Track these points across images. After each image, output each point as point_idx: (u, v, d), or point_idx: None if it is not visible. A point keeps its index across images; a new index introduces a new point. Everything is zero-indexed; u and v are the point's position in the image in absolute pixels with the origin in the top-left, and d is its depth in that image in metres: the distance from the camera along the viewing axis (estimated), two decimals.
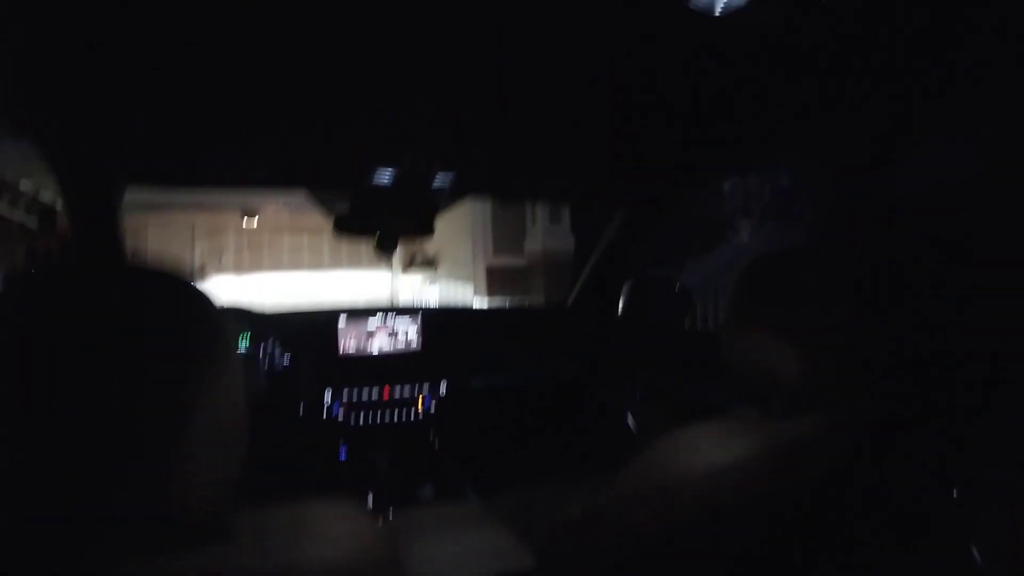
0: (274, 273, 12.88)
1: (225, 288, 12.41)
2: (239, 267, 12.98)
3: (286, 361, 2.31)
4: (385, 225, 2.11)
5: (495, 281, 8.83)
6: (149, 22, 1.11)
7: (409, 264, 11.53)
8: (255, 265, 13.04)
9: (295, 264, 13.01)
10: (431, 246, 11.14)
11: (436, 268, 11.10)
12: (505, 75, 1.37)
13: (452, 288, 10.25)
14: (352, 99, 1.48)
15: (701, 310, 6.25)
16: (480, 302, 8.76)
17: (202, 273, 12.58)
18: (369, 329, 2.46)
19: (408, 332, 2.51)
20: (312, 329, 2.42)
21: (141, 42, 1.19)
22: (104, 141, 1.70)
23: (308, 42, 1.20)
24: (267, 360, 2.29)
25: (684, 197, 2.49)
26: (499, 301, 8.67)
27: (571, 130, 1.74)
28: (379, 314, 2.50)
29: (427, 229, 2.15)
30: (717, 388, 2.04)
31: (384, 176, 1.94)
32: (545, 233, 8.36)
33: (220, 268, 12.77)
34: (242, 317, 2.36)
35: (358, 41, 1.20)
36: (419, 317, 2.53)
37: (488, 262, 8.87)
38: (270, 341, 2.31)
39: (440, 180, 2.01)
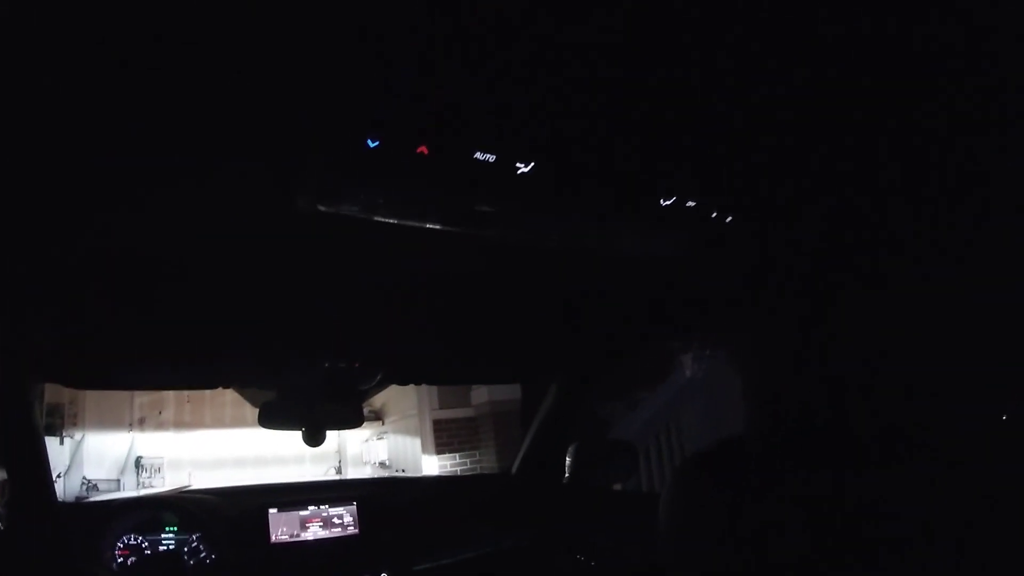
0: (216, 430, 12.48)
1: (165, 444, 11.97)
2: (180, 423, 12.55)
3: (213, 553, 2.19)
4: (310, 420, 2.08)
5: (443, 434, 8.69)
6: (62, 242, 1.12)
7: None
8: (197, 422, 12.64)
9: (238, 421, 12.64)
10: (378, 399, 10.99)
11: (383, 422, 10.90)
12: (429, 280, 1.40)
13: (399, 441, 10.04)
14: (272, 304, 1.48)
15: (655, 448, 6.21)
16: (429, 458, 8.58)
17: (141, 428, 12.14)
18: (302, 514, 2.36)
19: (344, 517, 2.41)
20: (241, 516, 2.32)
21: (58, 261, 1.20)
22: (19, 349, 1.67)
23: (224, 255, 1.21)
24: (192, 553, 2.17)
25: (616, 370, 2.51)
26: (448, 455, 8.50)
27: (493, 328, 1.77)
28: (313, 499, 2.41)
29: (354, 422, 2.12)
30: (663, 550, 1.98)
31: (307, 373, 1.92)
32: (491, 385, 8.28)
33: (160, 424, 12.34)
34: (167, 505, 2.26)
35: (276, 258, 1.22)
36: (355, 501, 2.45)
37: (435, 415, 8.75)
38: (196, 532, 2.19)
39: (364, 375, 1.99)
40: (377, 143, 0.85)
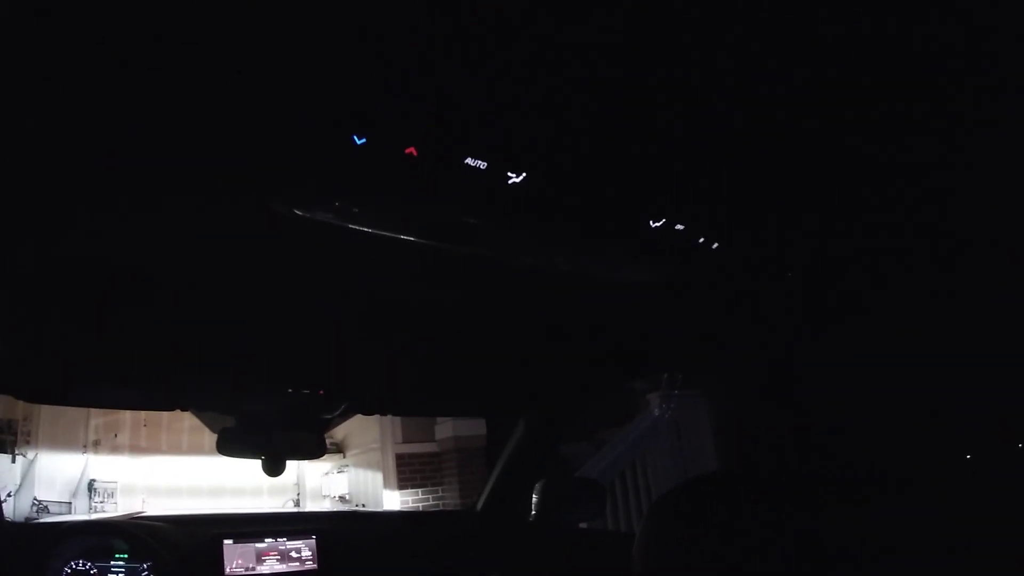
0: (172, 457, 12.21)
1: (120, 469, 11.68)
2: (136, 447, 12.26)
3: None
4: (269, 448, 2.02)
5: (406, 468, 8.58)
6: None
7: None
8: (153, 447, 12.35)
9: (195, 448, 12.37)
10: (339, 431, 10.82)
11: (344, 454, 10.72)
12: (396, 310, 1.36)
13: (361, 475, 9.88)
14: (232, 327, 1.44)
15: (621, 487, 6.17)
16: (391, 493, 8.45)
17: (96, 450, 11.85)
18: (259, 547, 2.28)
19: (302, 551, 2.33)
20: (194, 546, 2.23)
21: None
22: None
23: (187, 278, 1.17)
24: None
25: (585, 407, 2.49)
26: (411, 491, 8.39)
27: (461, 360, 1.75)
28: (270, 531, 2.33)
29: (315, 452, 2.07)
30: None
31: (267, 400, 1.87)
32: (456, 419, 8.21)
33: (115, 447, 12.05)
34: (116, 531, 2.17)
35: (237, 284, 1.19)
36: (314, 535, 2.37)
37: (398, 449, 8.64)
38: (147, 560, 2.10)
39: (328, 404, 1.95)
40: (364, 140, 0.82)
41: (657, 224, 1.06)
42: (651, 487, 6.23)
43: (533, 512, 2.50)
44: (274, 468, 2.06)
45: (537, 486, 2.49)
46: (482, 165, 0.89)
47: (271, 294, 1.30)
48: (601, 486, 2.56)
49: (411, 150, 0.85)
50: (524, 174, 0.93)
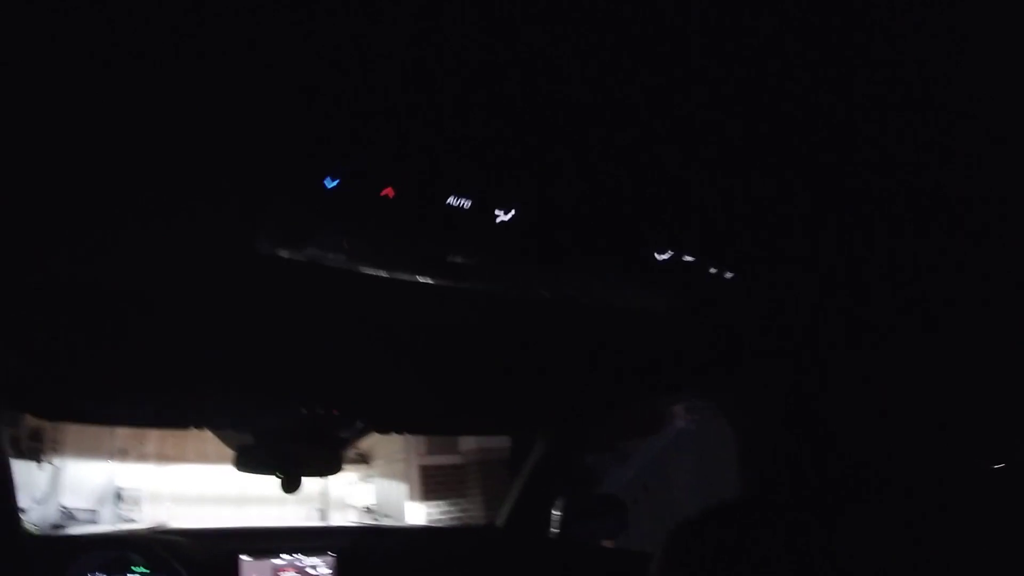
0: (198, 465, 12.28)
1: (146, 477, 11.76)
2: (162, 456, 12.35)
3: None
4: (286, 466, 2.01)
5: (430, 480, 8.55)
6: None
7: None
8: (179, 455, 12.44)
9: (221, 457, 12.38)
10: (364, 442, 10.80)
11: (369, 464, 10.71)
12: (412, 328, 1.34)
13: (385, 486, 9.86)
14: (246, 346, 1.43)
15: (646, 500, 6.10)
16: (415, 504, 8.42)
17: (123, 458, 11.95)
18: (275, 563, 2.27)
19: (319, 568, 2.31)
20: (211, 561, 2.23)
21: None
22: None
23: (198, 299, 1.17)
24: None
25: (605, 424, 2.46)
26: (435, 503, 8.36)
27: (478, 379, 1.72)
28: (288, 547, 2.32)
29: (332, 470, 2.05)
30: None
31: (283, 418, 1.86)
32: None
33: (142, 455, 12.14)
34: (134, 545, 2.17)
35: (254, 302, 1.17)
36: (332, 551, 2.35)
37: (422, 461, 8.61)
38: (163, 575, 2.10)
39: (343, 423, 1.93)
40: (336, 183, 0.79)
41: (663, 257, 1.02)
42: (674, 500, 6.16)
43: (554, 529, 2.47)
44: (291, 485, 2.05)
45: (558, 503, 2.46)
46: (466, 204, 0.85)
47: (283, 315, 1.29)
48: (622, 503, 2.52)
49: (388, 191, 0.81)
50: (513, 211, 0.88)
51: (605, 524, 2.48)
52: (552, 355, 1.63)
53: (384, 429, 2.37)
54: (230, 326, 1.36)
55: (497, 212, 0.88)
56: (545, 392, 1.98)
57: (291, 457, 2.00)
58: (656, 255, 1.02)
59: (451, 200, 0.84)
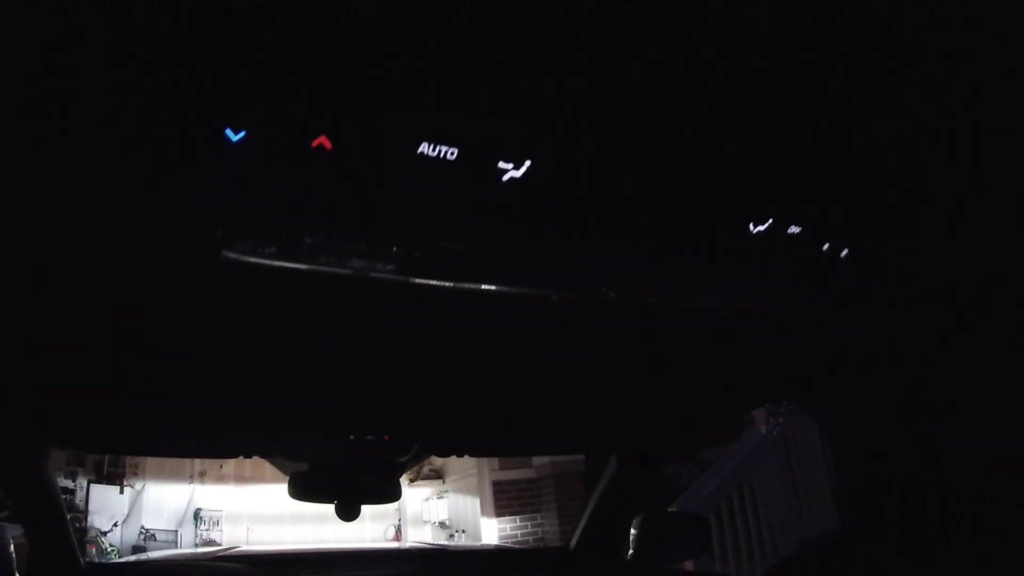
0: (276, 485, 12.50)
1: (225, 498, 12.06)
2: (240, 477, 12.62)
3: None
4: (341, 494, 1.91)
5: (503, 495, 8.47)
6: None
7: (415, 476, 11.16)
8: (257, 476, 12.69)
9: None
10: (438, 458, 10.84)
11: (443, 480, 10.72)
12: (463, 348, 1.21)
13: (459, 502, 9.84)
14: (293, 374, 1.33)
15: (728, 510, 5.87)
16: (488, 520, 8.35)
17: (202, 480, 12.29)
18: None
19: None
20: None
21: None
22: (20, 416, 1.62)
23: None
24: None
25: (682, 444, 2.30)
26: (508, 518, 8.28)
27: (537, 399, 1.59)
28: (350, 573, 2.23)
29: (389, 497, 1.95)
30: None
31: (334, 446, 1.76)
32: None
33: (220, 477, 12.45)
34: (189, 572, 2.12)
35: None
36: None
37: (495, 476, 8.54)
38: None
39: (397, 448, 1.82)
40: (242, 134, 0.58)
41: (761, 228, 0.75)
42: (760, 512, 5.91)
43: (631, 551, 2.32)
44: (348, 512, 1.96)
45: (635, 522, 2.32)
46: (451, 154, 0.59)
47: (332, 341, 1.19)
48: (705, 520, 2.36)
49: (321, 140, 0.58)
50: (528, 162, 0.62)
51: (686, 545, 2.32)
52: (622, 372, 1.46)
53: (440, 453, 2.26)
54: (278, 355, 1.27)
55: (503, 165, 0.62)
56: (614, 412, 1.82)
57: (345, 485, 1.90)
58: (751, 226, 0.76)
59: (423, 148, 0.60)
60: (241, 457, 2.06)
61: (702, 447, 7.33)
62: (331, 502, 1.94)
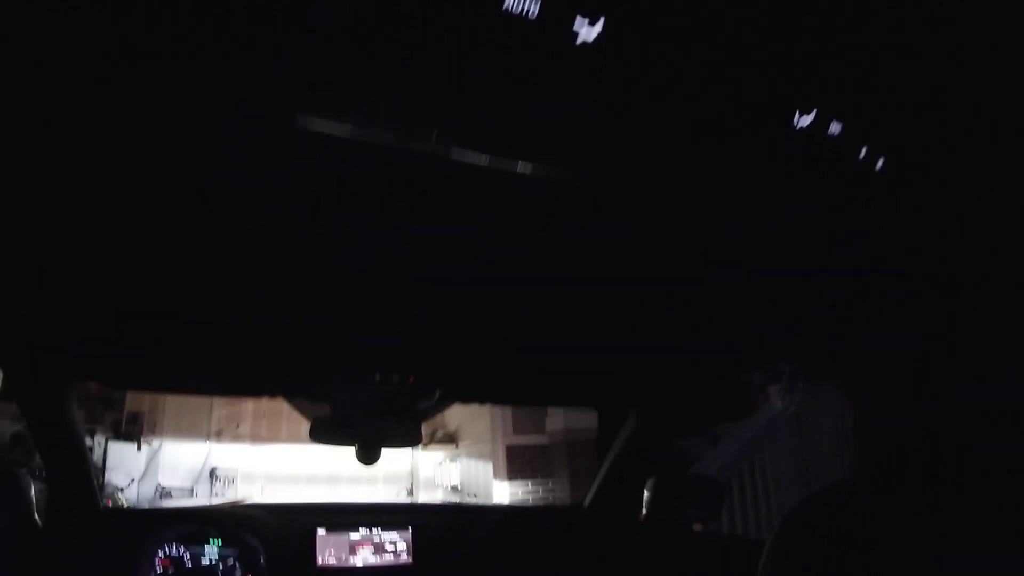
0: (292, 445, 12.66)
1: (241, 457, 12.23)
2: (256, 436, 12.79)
3: (256, 572, 2.04)
4: (363, 437, 1.92)
5: (516, 460, 8.52)
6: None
7: (429, 440, 11.26)
8: (273, 436, 12.84)
9: None
10: (451, 421, 10.93)
11: (456, 444, 10.81)
12: (493, 289, 1.21)
13: (472, 466, 9.91)
14: (319, 311, 1.33)
15: (738, 485, 5.88)
16: (500, 484, 8.41)
17: (218, 439, 12.46)
18: (353, 537, 2.20)
19: (397, 544, 2.24)
20: (288, 535, 2.18)
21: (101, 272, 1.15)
22: (48, 348, 1.64)
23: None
24: (234, 569, 2.03)
25: (703, 400, 2.28)
26: (520, 483, 8.33)
27: (564, 345, 1.58)
28: (365, 521, 2.25)
29: (410, 441, 1.95)
30: None
31: (358, 387, 1.76)
32: (567, 411, 8.07)
33: (237, 436, 12.62)
34: (210, 519, 2.15)
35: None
36: (410, 527, 2.27)
37: (508, 441, 8.59)
38: (240, 548, 2.06)
39: (421, 392, 1.82)
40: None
41: (806, 121, 0.71)
42: (770, 488, 5.92)
43: (644, 511, 2.33)
44: (368, 456, 1.97)
45: (649, 483, 2.32)
46: (532, 9, 0.55)
47: (358, 279, 1.19)
48: (720, 484, 2.36)
49: None
50: (601, 21, 0.58)
51: (700, 507, 2.32)
52: (647, 319, 1.46)
53: (463, 399, 2.26)
54: (304, 292, 1.27)
55: (577, 28, 0.58)
56: (637, 363, 1.82)
57: (367, 428, 1.91)
58: (797, 115, 0.72)
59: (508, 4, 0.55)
60: (264, 398, 2.07)
61: (715, 420, 7.32)
62: (352, 444, 1.95)
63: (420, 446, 11.79)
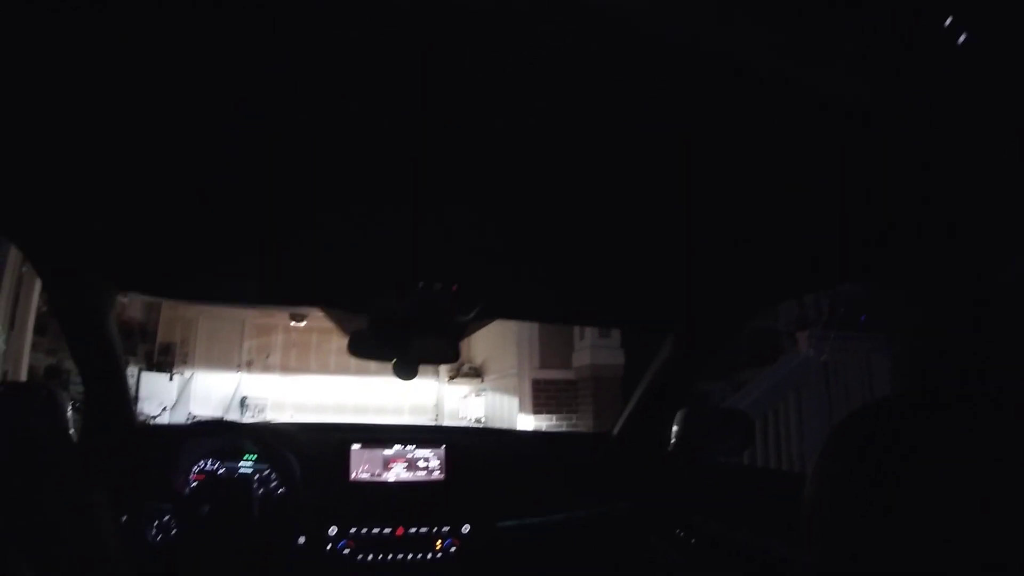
0: (320, 376, 12.85)
1: (270, 387, 12.47)
2: (286, 367, 12.99)
3: (291, 485, 2.07)
4: (402, 351, 1.92)
5: (541, 394, 8.56)
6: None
7: (455, 374, 11.37)
8: (302, 366, 13.04)
9: (342, 368, 12.96)
10: (478, 356, 11.02)
11: (482, 379, 10.90)
12: (538, 203, 1.18)
13: (497, 400, 10.00)
14: (363, 219, 1.31)
15: (762, 430, 5.88)
16: (525, 417, 8.48)
17: (249, 369, 12.69)
18: (386, 453, 2.23)
19: (430, 460, 2.26)
20: (323, 450, 2.21)
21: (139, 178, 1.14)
22: (92, 255, 1.64)
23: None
24: (269, 482, 2.06)
25: (747, 323, 2.24)
26: (545, 416, 8.39)
27: (610, 262, 1.54)
28: (398, 439, 2.28)
29: (449, 357, 1.96)
30: (779, 537, 1.75)
31: (401, 296, 1.76)
32: (594, 347, 8.10)
33: (267, 367, 12.84)
34: (245, 432, 2.17)
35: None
36: (443, 444, 2.29)
37: (534, 375, 8.62)
38: (275, 461, 2.09)
39: (462, 303, 1.81)
40: None
41: None
42: (792, 434, 5.91)
43: (673, 441, 2.33)
44: (406, 371, 1.98)
45: (679, 415, 2.31)
46: None
47: (402, 188, 1.17)
48: (748, 417, 2.34)
49: None
50: None
51: (729, 441, 2.31)
52: (695, 237, 1.42)
53: (503, 313, 2.25)
54: (346, 199, 1.26)
55: None
56: (685, 281, 1.78)
57: (405, 341, 1.91)
58: None
59: None
60: (306, 306, 2.08)
61: (739, 366, 7.28)
62: (390, 359, 1.96)
63: (446, 379, 11.94)
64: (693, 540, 2.17)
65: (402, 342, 1.91)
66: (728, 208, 1.27)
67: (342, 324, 2.06)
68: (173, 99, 0.90)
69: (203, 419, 10.76)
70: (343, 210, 1.32)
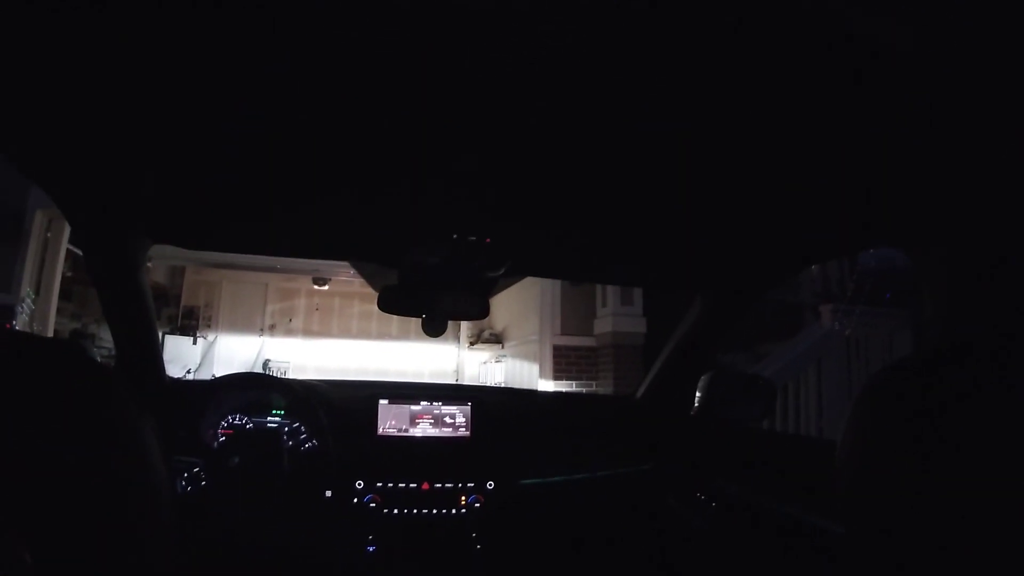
0: (342, 340, 12.97)
1: (292, 350, 12.61)
2: (308, 331, 13.11)
3: (319, 439, 2.11)
4: (432, 306, 1.94)
5: (562, 360, 8.58)
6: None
7: (476, 339, 11.43)
8: (324, 330, 13.15)
9: (363, 332, 13.06)
10: (499, 322, 11.05)
11: (503, 344, 10.94)
12: (571, 162, 1.18)
13: (517, 366, 10.04)
14: (396, 172, 1.31)
15: (782, 402, 5.89)
16: (546, 383, 8.51)
17: (271, 333, 12.83)
18: (413, 409, 2.26)
19: (456, 417, 2.29)
20: (350, 405, 2.24)
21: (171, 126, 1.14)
22: (128, 204, 1.64)
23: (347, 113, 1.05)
24: (298, 434, 2.10)
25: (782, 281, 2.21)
26: (565, 382, 8.42)
27: (641, 221, 1.54)
28: (425, 396, 2.30)
29: (478, 313, 1.97)
30: (801, 501, 1.76)
31: (433, 249, 1.76)
32: (616, 314, 8.10)
33: (289, 330, 12.96)
34: (274, 386, 2.21)
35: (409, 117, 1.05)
36: (469, 402, 2.32)
37: (555, 341, 8.64)
38: (304, 416, 2.12)
39: (492, 257, 1.81)
40: None
41: None
42: (812, 406, 5.92)
43: (696, 405, 2.34)
44: (435, 327, 2.00)
45: (703, 380, 2.32)
46: None
47: (436, 145, 1.17)
48: (771, 384, 2.34)
49: None
50: None
51: (752, 406, 2.31)
52: (729, 198, 1.41)
53: (531, 270, 2.25)
54: (379, 159, 1.27)
55: None
56: (719, 243, 1.77)
57: (434, 297, 1.93)
58: None
59: None
60: (337, 260, 2.08)
61: (760, 338, 7.23)
62: (419, 315, 1.97)
63: (467, 345, 12.00)
64: (713, 503, 2.19)
65: (432, 297, 1.93)
66: (759, 169, 1.26)
67: (372, 281, 2.07)
68: (210, 53, 0.91)
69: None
70: (378, 167, 1.33)
